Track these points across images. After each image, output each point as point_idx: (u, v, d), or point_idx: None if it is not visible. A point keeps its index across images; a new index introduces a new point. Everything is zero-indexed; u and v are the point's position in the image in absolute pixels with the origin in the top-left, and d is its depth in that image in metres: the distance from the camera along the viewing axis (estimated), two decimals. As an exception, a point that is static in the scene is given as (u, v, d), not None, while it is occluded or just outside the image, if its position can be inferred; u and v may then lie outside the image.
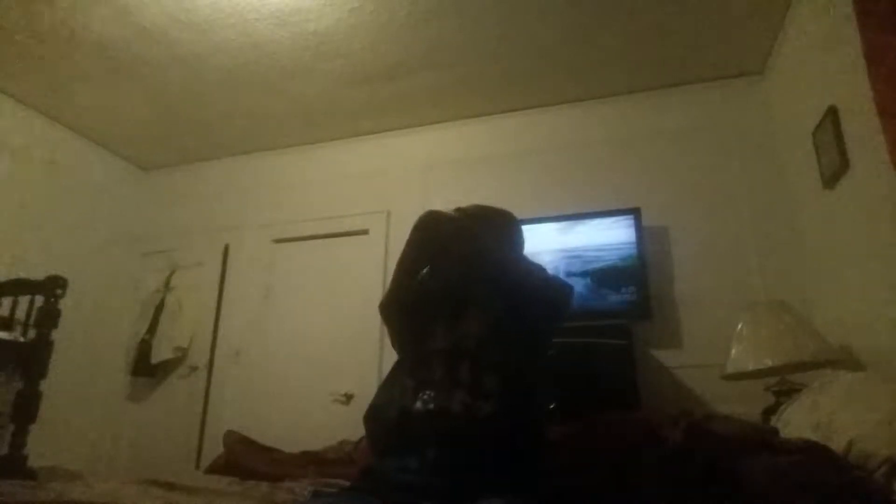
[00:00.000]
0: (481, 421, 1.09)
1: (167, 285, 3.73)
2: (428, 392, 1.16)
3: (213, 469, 1.85)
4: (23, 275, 2.62)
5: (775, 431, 1.56)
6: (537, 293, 1.32)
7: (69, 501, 1.08)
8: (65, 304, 2.55)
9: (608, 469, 1.18)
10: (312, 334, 3.34)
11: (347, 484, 1.26)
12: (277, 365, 3.36)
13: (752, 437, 1.33)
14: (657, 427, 1.26)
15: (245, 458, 1.79)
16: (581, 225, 2.87)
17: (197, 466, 3.17)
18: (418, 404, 1.15)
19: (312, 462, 1.83)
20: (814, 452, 1.18)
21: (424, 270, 1.37)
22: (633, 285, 2.68)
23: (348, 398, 3.13)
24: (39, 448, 2.49)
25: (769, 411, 2.03)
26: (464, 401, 1.11)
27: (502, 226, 1.48)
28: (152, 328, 3.60)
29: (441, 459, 1.07)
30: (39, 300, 2.52)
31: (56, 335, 2.50)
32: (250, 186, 3.87)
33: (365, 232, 3.45)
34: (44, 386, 2.42)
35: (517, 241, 1.52)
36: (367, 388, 3.09)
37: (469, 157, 3.44)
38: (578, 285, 2.75)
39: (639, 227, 2.74)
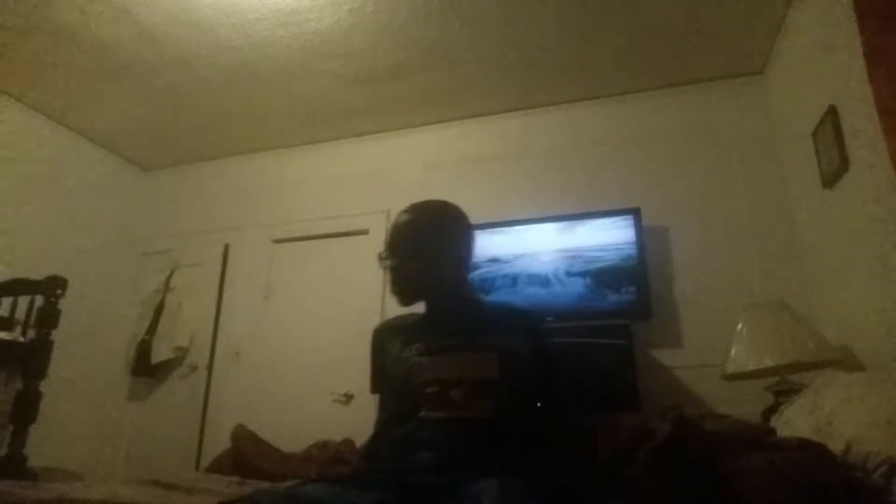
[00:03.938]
0: (478, 421, 1.13)
1: (167, 285, 3.73)
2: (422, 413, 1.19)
3: (216, 466, 1.85)
4: (23, 275, 2.62)
5: (771, 431, 1.56)
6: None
7: (69, 501, 1.08)
8: (65, 304, 2.54)
9: (601, 464, 1.18)
10: (312, 334, 3.33)
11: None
12: (277, 365, 3.36)
13: (745, 435, 1.33)
14: (647, 422, 1.26)
15: (253, 457, 1.79)
16: (581, 225, 2.87)
17: (197, 466, 3.17)
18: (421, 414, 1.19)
19: (317, 459, 1.84)
20: (809, 451, 1.18)
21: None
22: (633, 285, 2.67)
23: (348, 398, 3.13)
24: (39, 448, 2.49)
25: (769, 411, 2.03)
26: (458, 413, 1.15)
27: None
28: (152, 328, 3.60)
29: (438, 460, 1.08)
30: (39, 300, 2.52)
31: (56, 335, 2.50)
32: (250, 186, 3.87)
33: (365, 232, 3.45)
34: (44, 386, 2.42)
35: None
36: (366, 388, 3.08)
37: (469, 157, 3.44)
38: (578, 285, 2.76)
39: (639, 227, 2.74)
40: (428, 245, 1.30)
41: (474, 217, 3.13)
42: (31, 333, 2.47)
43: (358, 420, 2.96)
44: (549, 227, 2.93)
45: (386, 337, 1.40)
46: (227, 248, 3.75)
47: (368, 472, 1.17)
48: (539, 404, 1.28)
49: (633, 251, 2.72)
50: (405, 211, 1.36)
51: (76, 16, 2.62)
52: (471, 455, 1.08)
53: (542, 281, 2.81)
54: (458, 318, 1.31)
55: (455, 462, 1.06)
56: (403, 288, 1.31)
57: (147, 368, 3.53)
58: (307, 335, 3.35)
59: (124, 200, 3.96)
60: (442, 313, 1.34)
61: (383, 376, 1.37)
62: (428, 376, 1.21)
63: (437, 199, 1.40)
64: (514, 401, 1.20)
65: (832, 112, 2.16)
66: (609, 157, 3.14)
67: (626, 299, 2.67)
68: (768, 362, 2.03)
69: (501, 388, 1.17)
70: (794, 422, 1.63)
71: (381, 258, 1.33)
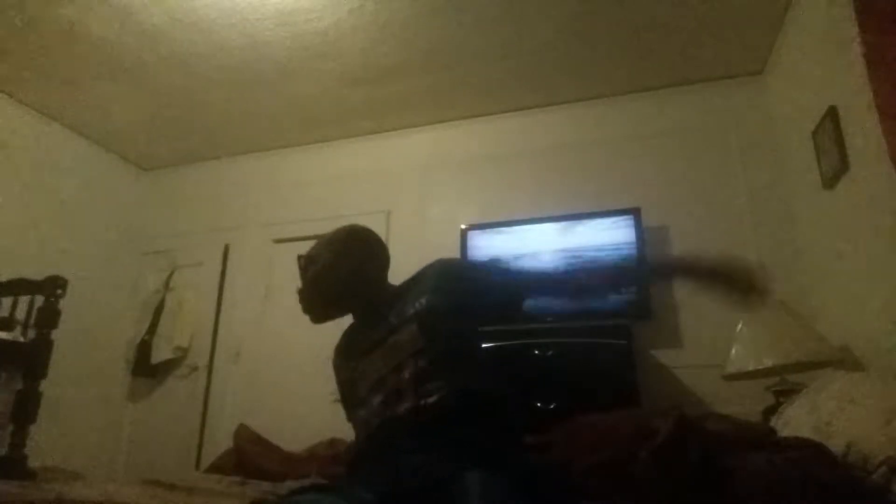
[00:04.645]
0: (430, 408, 1.10)
1: (167, 285, 3.73)
2: (377, 412, 1.19)
3: (218, 465, 1.86)
4: (23, 275, 2.62)
5: (771, 431, 1.56)
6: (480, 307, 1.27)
7: (69, 501, 1.08)
8: (65, 304, 2.54)
9: (601, 463, 1.18)
10: (312, 334, 3.31)
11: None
12: (277, 365, 3.36)
13: (746, 434, 1.33)
14: (648, 420, 1.26)
15: (255, 457, 1.79)
16: (581, 225, 2.87)
17: (197, 466, 3.17)
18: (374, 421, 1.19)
19: (318, 460, 1.84)
20: (809, 450, 1.18)
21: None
22: (634, 285, 2.67)
23: (348, 398, 3.13)
24: (39, 448, 2.49)
25: (769, 411, 2.04)
26: (409, 405, 1.12)
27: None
28: (152, 328, 3.60)
29: (417, 460, 1.06)
30: (39, 300, 2.52)
31: (56, 335, 2.49)
32: (250, 186, 3.87)
33: (365, 232, 3.44)
34: (44, 386, 2.42)
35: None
36: (367, 388, 3.09)
37: (469, 157, 3.44)
38: (578, 285, 2.75)
39: (639, 227, 2.74)
40: (341, 268, 1.36)
41: (474, 217, 3.15)
42: (31, 333, 2.47)
43: (358, 420, 2.97)
44: (549, 227, 2.93)
45: (337, 359, 1.46)
46: (227, 248, 3.75)
47: (356, 478, 1.15)
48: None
49: (633, 251, 2.72)
50: (320, 238, 1.44)
51: (76, 16, 2.62)
52: (448, 445, 1.06)
53: (542, 281, 2.81)
54: (378, 312, 1.32)
55: (434, 457, 1.04)
56: (312, 308, 1.40)
57: (147, 368, 3.53)
58: (307, 335, 3.32)
59: (124, 200, 3.96)
60: (365, 316, 1.38)
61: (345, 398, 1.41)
62: (370, 380, 1.22)
63: (347, 225, 1.47)
64: (466, 368, 1.17)
65: (832, 112, 2.16)
66: (609, 157, 3.14)
67: (626, 299, 2.67)
68: (768, 362, 2.03)
69: (436, 358, 1.14)
70: (794, 422, 1.63)
71: (298, 291, 1.42)
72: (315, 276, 1.38)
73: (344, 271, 1.35)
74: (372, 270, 1.39)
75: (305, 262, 1.41)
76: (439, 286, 1.26)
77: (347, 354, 1.38)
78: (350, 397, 1.35)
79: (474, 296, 1.27)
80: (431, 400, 1.10)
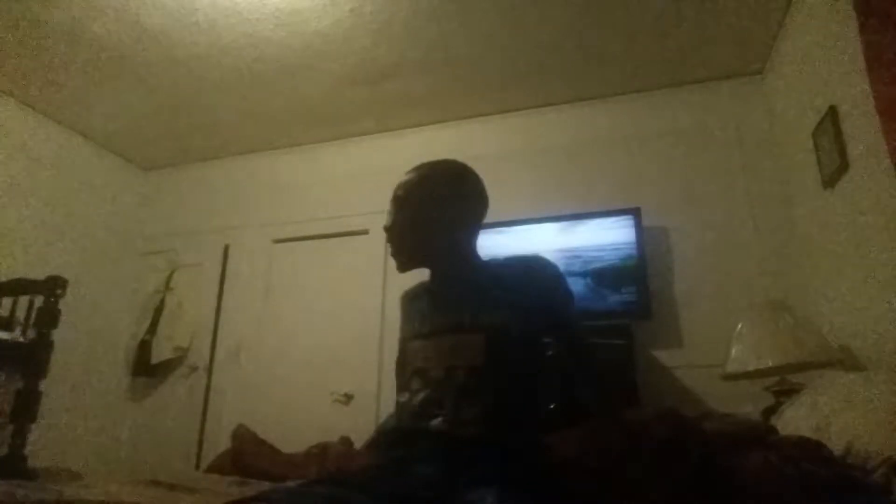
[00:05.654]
0: (461, 441, 1.05)
1: (167, 285, 3.73)
2: (412, 411, 1.14)
3: (216, 466, 1.85)
4: (23, 275, 2.62)
5: (771, 429, 1.56)
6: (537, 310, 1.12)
7: (69, 501, 1.09)
8: (65, 304, 2.55)
9: (601, 463, 1.18)
10: (312, 334, 3.33)
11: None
12: (277, 365, 3.36)
13: (745, 434, 1.33)
14: (647, 421, 1.26)
15: (253, 458, 1.79)
16: (581, 225, 2.86)
17: (197, 466, 3.17)
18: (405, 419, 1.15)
19: (317, 460, 1.84)
20: (808, 449, 1.18)
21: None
22: (633, 285, 2.67)
23: (348, 398, 3.13)
24: (39, 448, 2.50)
25: (769, 411, 2.03)
26: (442, 423, 1.07)
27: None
28: (152, 328, 3.60)
29: (434, 476, 1.03)
30: (39, 300, 2.53)
31: (56, 335, 2.50)
32: (250, 186, 3.87)
33: (365, 232, 3.45)
34: (44, 386, 2.42)
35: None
36: (367, 388, 3.10)
37: (469, 157, 3.39)
38: (578, 285, 2.75)
39: (639, 227, 2.74)
40: (435, 207, 1.20)
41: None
42: (31, 333, 2.47)
43: (358, 420, 2.97)
44: (549, 227, 2.93)
45: (405, 306, 1.33)
46: (227, 248, 3.75)
47: (369, 476, 1.13)
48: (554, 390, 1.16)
49: (633, 251, 2.72)
50: (414, 169, 1.27)
51: (76, 16, 2.62)
52: (467, 471, 1.01)
53: (542, 281, 2.81)
54: (455, 291, 1.19)
55: (452, 477, 1.01)
56: (401, 251, 1.23)
57: (147, 368, 3.53)
58: (307, 335, 3.35)
59: (124, 200, 3.96)
60: (442, 284, 1.23)
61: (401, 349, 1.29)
62: (417, 366, 1.14)
63: (449, 159, 1.30)
64: (512, 394, 1.08)
65: (832, 112, 2.16)
66: (609, 157, 3.14)
67: (626, 299, 2.67)
68: (768, 362, 2.03)
69: (488, 380, 1.06)
70: (794, 422, 1.63)
71: (385, 229, 1.25)
72: (408, 220, 1.22)
73: (426, 216, 1.19)
74: (459, 218, 1.22)
75: (399, 204, 1.25)
76: (528, 302, 1.11)
77: (415, 313, 1.24)
78: (399, 367, 1.26)
79: (556, 320, 1.14)
80: (465, 430, 1.04)
